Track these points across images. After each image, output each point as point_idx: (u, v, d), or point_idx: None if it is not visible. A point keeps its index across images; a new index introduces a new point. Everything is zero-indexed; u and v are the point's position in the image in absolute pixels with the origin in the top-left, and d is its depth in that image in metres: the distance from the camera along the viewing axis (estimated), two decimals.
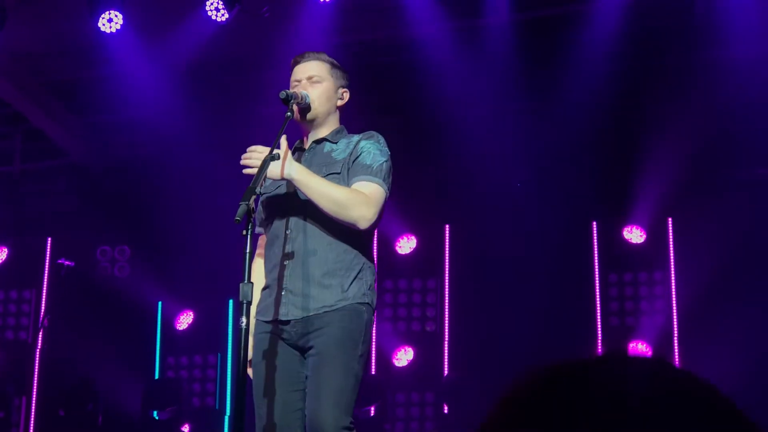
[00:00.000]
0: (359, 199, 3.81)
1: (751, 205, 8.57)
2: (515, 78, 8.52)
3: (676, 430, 0.93)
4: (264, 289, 3.97)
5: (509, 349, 8.65)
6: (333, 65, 4.17)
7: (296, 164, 3.80)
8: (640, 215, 9.06)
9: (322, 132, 4.09)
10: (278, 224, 3.95)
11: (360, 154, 3.94)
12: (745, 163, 8.73)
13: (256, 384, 3.86)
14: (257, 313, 3.92)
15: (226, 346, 9.65)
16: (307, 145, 4.10)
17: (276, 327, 3.87)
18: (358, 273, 3.91)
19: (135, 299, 9.73)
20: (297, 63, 4.15)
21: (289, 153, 3.81)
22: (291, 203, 3.95)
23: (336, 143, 4.06)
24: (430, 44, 8.39)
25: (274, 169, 3.71)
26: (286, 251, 3.88)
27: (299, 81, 4.07)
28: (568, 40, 8.27)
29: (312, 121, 4.05)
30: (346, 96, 4.20)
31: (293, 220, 3.92)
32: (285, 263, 3.87)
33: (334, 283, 3.85)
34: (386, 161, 3.97)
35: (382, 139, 4.06)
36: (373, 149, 3.97)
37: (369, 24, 8.37)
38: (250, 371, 3.85)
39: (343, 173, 3.93)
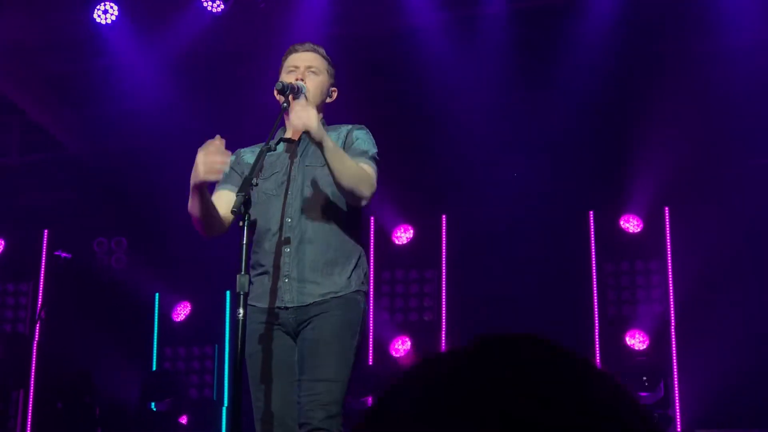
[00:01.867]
0: (367, 177, 3.87)
1: (747, 194, 8.58)
2: (511, 68, 8.51)
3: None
4: (258, 274, 3.95)
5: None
6: (329, 62, 4.20)
7: (318, 121, 3.75)
8: (636, 205, 9.07)
9: None
10: (275, 210, 3.94)
11: (356, 141, 4.01)
12: (741, 153, 8.73)
13: (253, 374, 3.84)
14: (251, 299, 3.86)
15: (223, 338, 9.65)
16: (296, 137, 4.07)
17: (272, 314, 3.87)
18: (357, 261, 3.97)
19: (132, 291, 9.73)
20: (295, 50, 4.15)
21: (310, 107, 3.77)
22: (290, 190, 3.95)
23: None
24: (425, 35, 8.37)
25: (299, 115, 3.68)
26: (284, 237, 3.88)
27: (297, 67, 4.07)
28: (564, 30, 8.27)
29: None
30: (335, 95, 4.24)
31: (292, 207, 3.92)
32: (285, 250, 3.87)
33: (336, 270, 3.89)
34: (376, 150, 4.05)
35: (370, 133, 4.11)
36: (367, 139, 4.04)
37: (365, 15, 8.35)
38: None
39: None
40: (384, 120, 7.93)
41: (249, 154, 4.09)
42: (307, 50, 4.14)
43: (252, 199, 3.76)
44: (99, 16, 8.17)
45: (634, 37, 8.26)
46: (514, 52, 8.37)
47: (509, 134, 8.95)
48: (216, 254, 8.57)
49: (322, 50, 4.19)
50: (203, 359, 9.81)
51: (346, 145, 3.98)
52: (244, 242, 3.49)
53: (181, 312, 9.93)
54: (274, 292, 3.87)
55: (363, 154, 3.96)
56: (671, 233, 8.99)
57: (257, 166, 3.64)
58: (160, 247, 9.81)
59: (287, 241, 3.87)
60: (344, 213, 3.95)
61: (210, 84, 9.02)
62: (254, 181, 3.56)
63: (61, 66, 9.19)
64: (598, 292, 9.13)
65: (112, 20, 8.15)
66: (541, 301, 8.86)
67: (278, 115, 3.91)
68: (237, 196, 3.45)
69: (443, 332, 9.35)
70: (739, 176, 8.70)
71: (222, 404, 9.47)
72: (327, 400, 3.69)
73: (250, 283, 3.78)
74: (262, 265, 3.93)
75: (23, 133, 10.13)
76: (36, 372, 9.66)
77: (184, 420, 9.16)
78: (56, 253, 8.61)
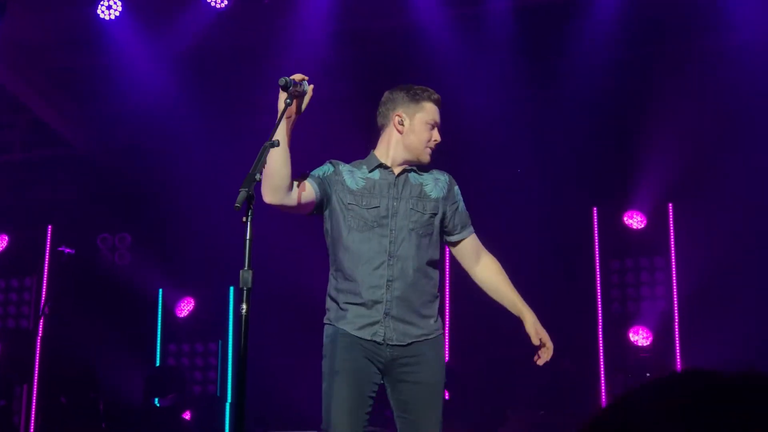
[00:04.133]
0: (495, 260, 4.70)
1: (751, 190, 8.56)
2: (516, 64, 8.50)
3: None
4: (355, 304, 4.07)
5: (510, 337, 8.65)
6: None
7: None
8: (640, 201, 9.05)
9: (410, 162, 4.29)
10: (375, 244, 4.09)
11: (459, 202, 4.37)
12: (746, 149, 8.71)
13: (336, 387, 3.99)
14: (344, 324, 4.06)
15: (226, 334, 9.66)
16: (396, 170, 4.25)
17: (366, 344, 4.04)
18: (439, 303, 4.31)
19: (136, 287, 9.74)
20: (437, 103, 4.42)
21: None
22: (393, 227, 4.11)
23: (421, 176, 4.30)
24: (430, 31, 8.36)
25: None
26: (387, 274, 4.06)
27: (436, 124, 4.37)
28: (569, 27, 8.26)
29: (419, 162, 4.30)
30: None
31: (395, 246, 4.09)
32: (387, 287, 4.05)
33: (428, 313, 4.18)
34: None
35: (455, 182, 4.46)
36: (461, 197, 4.41)
37: (369, 11, 8.35)
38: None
39: (438, 214, 4.24)
40: None
41: (348, 175, 4.20)
42: (440, 106, 4.44)
43: (343, 219, 4.05)
44: (103, 12, 8.17)
45: (639, 34, 8.25)
46: (519, 49, 8.36)
47: (513, 131, 8.93)
48: (219, 250, 8.58)
49: None
50: (207, 355, 9.81)
51: (449, 201, 4.31)
52: (248, 237, 3.48)
53: (185, 308, 9.94)
54: (372, 326, 4.04)
55: (469, 220, 4.44)
56: (675, 229, 8.98)
57: (260, 162, 3.63)
58: (163, 244, 9.82)
59: (390, 279, 4.05)
60: (436, 259, 4.28)
61: (214, 80, 9.01)
62: (257, 176, 3.55)
63: (65, 62, 9.19)
64: (601, 289, 9.12)
65: (115, 16, 8.15)
66: (545, 297, 8.84)
67: (281, 112, 3.90)
68: (240, 191, 3.44)
69: (446, 329, 9.34)
70: (743, 173, 8.68)
71: (225, 400, 9.47)
72: None
73: (340, 308, 4.06)
74: (360, 296, 4.06)
75: (27, 130, 10.14)
76: (40, 367, 9.67)
77: (187, 416, 9.16)
78: (60, 249, 8.61)
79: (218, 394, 9.61)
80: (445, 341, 4.27)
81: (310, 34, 8.26)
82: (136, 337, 9.75)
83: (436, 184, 4.28)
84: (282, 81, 3.89)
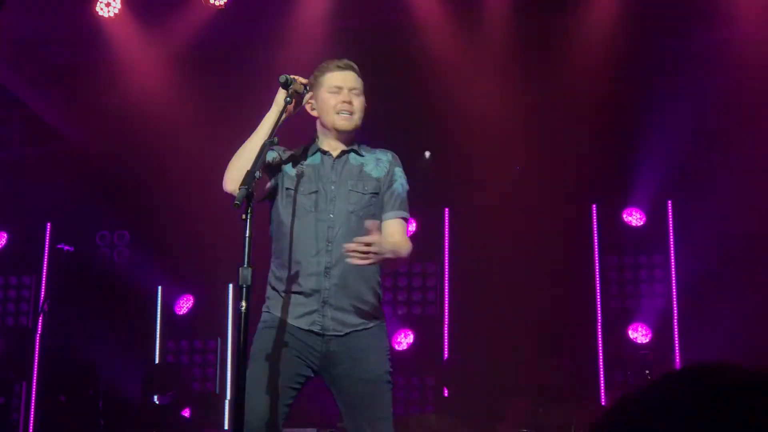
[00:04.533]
0: (407, 249, 4.00)
1: (751, 187, 8.56)
2: (515, 61, 8.49)
3: None
4: (293, 292, 3.93)
5: (509, 333, 8.66)
6: (362, 79, 4.21)
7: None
8: (639, 198, 9.06)
9: (349, 143, 4.14)
10: (313, 229, 3.94)
11: (395, 182, 4.09)
12: (744, 146, 8.71)
13: (256, 371, 3.82)
14: (279, 310, 3.91)
15: (226, 331, 9.66)
16: (334, 153, 4.10)
17: (299, 333, 3.90)
18: (380, 289, 4.08)
19: (135, 284, 9.74)
20: (337, 68, 4.14)
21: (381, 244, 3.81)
22: (332, 212, 3.96)
23: (362, 156, 4.12)
24: (429, 28, 8.36)
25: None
26: (325, 261, 3.90)
27: (340, 88, 4.08)
28: (568, 23, 8.25)
29: (351, 132, 4.09)
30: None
31: (333, 231, 3.93)
32: (326, 274, 3.89)
33: (369, 300, 3.99)
34: (408, 188, 4.16)
35: (401, 162, 4.20)
36: (404, 180, 4.14)
37: (367, 8, 8.34)
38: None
39: (380, 194, 4.05)
40: (386, 113, 7.92)
41: (289, 160, 4.09)
42: (347, 69, 4.15)
43: (282, 205, 3.93)
44: (101, 9, 8.16)
45: (638, 31, 8.24)
46: (518, 46, 8.35)
47: (512, 128, 8.92)
48: (218, 248, 8.58)
49: (357, 68, 4.20)
50: (206, 352, 9.82)
51: (384, 182, 4.05)
52: (247, 235, 3.47)
53: (184, 305, 9.94)
54: (310, 315, 3.90)
55: (401, 204, 4.08)
56: (674, 227, 8.99)
57: (260, 160, 3.63)
58: (162, 241, 9.81)
59: (328, 266, 3.89)
60: None
61: (213, 77, 9.00)
62: (257, 174, 3.55)
63: (64, 59, 9.18)
64: (600, 286, 9.12)
65: (114, 13, 8.15)
66: (544, 294, 8.85)
67: (280, 109, 3.90)
68: (240, 189, 3.44)
69: (446, 326, 9.34)
70: (742, 170, 8.68)
71: (224, 397, 9.47)
72: None
73: (279, 296, 3.90)
74: (298, 284, 3.92)
75: (26, 126, 10.13)
76: (39, 365, 9.67)
77: (186, 413, 9.16)
78: (59, 246, 8.61)
79: (217, 392, 9.61)
80: (387, 330, 4.05)
81: (310, 31, 8.25)
82: (135, 334, 9.75)
83: (377, 164, 4.10)
84: (283, 78, 3.89)
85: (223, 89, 9.05)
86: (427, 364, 9.13)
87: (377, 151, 4.16)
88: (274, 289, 3.96)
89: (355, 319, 3.92)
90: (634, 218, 9.17)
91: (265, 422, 3.74)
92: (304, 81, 3.99)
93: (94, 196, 9.92)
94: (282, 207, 3.99)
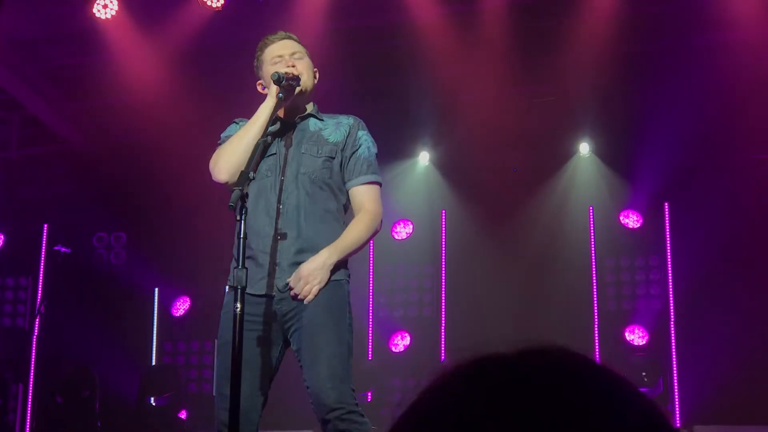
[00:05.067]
0: (375, 221, 3.95)
1: (747, 189, 8.57)
2: (511, 62, 8.49)
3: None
4: (250, 258, 3.82)
5: (506, 334, 8.66)
6: (303, 47, 4.18)
7: (328, 255, 3.77)
8: (636, 200, 9.06)
9: (306, 108, 4.11)
10: (267, 194, 3.90)
11: (360, 146, 4.00)
12: (741, 148, 8.72)
13: (221, 362, 3.80)
14: (233, 281, 3.66)
15: None
16: (292, 118, 4.07)
17: (257, 302, 3.81)
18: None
19: (131, 285, 9.74)
20: (272, 41, 4.14)
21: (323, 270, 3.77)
22: (285, 175, 3.92)
23: (322, 120, 4.08)
24: (425, 29, 8.36)
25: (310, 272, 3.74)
26: (278, 224, 3.84)
27: (281, 57, 4.07)
28: (564, 24, 8.25)
29: (300, 95, 4.02)
30: (317, 75, 4.20)
31: (285, 194, 3.88)
32: (277, 237, 3.83)
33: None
34: (376, 151, 4.08)
35: (366, 127, 4.12)
36: (369, 142, 4.05)
37: (364, 9, 8.34)
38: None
39: (337, 158, 3.97)
40: (384, 114, 7.92)
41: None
42: (283, 38, 4.15)
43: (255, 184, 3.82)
44: (99, 10, 8.16)
45: (634, 31, 8.24)
46: (514, 47, 8.34)
47: (509, 129, 8.93)
48: (215, 249, 8.58)
49: (294, 36, 4.21)
50: (202, 354, 9.81)
51: (348, 146, 3.98)
52: (242, 236, 3.48)
53: (181, 307, 9.94)
54: (263, 279, 3.82)
55: (369, 168, 3.99)
56: (671, 229, 9.00)
57: (254, 160, 3.64)
58: (159, 243, 9.81)
59: (280, 228, 3.84)
60: (335, 204, 3.96)
61: (210, 78, 9.00)
62: (251, 175, 3.56)
63: (62, 60, 9.18)
64: (597, 288, 9.13)
65: (111, 15, 8.15)
66: (541, 296, 8.87)
67: (274, 105, 3.92)
68: (234, 190, 3.44)
69: (442, 327, 9.35)
70: (739, 172, 8.69)
71: None
72: (335, 382, 3.68)
73: (237, 267, 3.59)
74: (252, 249, 3.85)
75: (23, 127, 10.12)
76: (35, 366, 9.66)
77: (183, 415, 9.16)
78: (56, 247, 8.61)
79: (214, 393, 9.59)
80: (346, 290, 3.87)
81: (306, 32, 8.25)
82: (132, 335, 9.75)
83: (337, 128, 4.03)
84: (274, 75, 3.90)
85: (220, 90, 9.05)
86: (423, 366, 9.12)
87: (340, 116, 4.13)
88: (235, 260, 3.71)
89: None
90: (631, 220, 9.18)
91: (243, 417, 3.66)
92: (295, 73, 3.99)
93: (91, 197, 9.93)
94: None
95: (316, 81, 4.16)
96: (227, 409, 3.53)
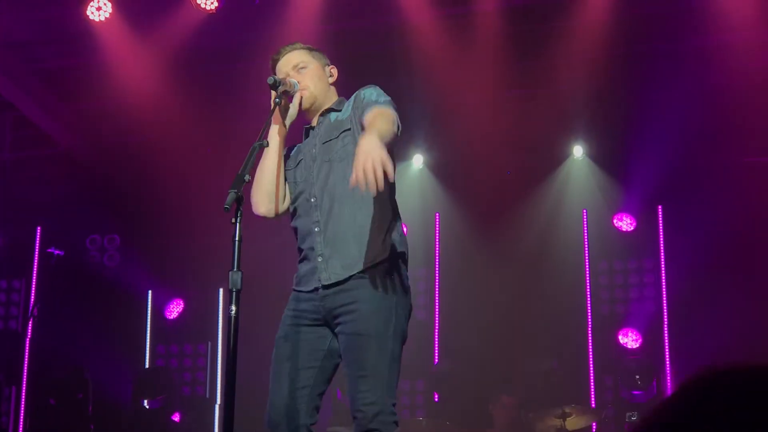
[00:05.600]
0: (386, 111, 3.73)
1: (740, 192, 8.59)
2: (505, 65, 8.50)
3: None
4: (300, 261, 3.93)
5: (500, 338, 8.67)
6: (310, 49, 4.22)
7: (369, 137, 3.46)
8: (630, 203, 9.07)
9: (326, 107, 4.13)
10: (304, 192, 3.95)
11: (364, 98, 3.94)
12: (735, 151, 8.74)
13: (273, 362, 3.90)
14: (296, 285, 3.91)
15: (216, 335, 9.65)
16: (315, 122, 4.12)
17: (307, 299, 3.85)
18: (388, 228, 3.94)
19: (125, 288, 9.72)
20: (276, 61, 4.18)
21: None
22: (314, 170, 3.95)
23: (340, 110, 4.09)
24: (419, 32, 8.36)
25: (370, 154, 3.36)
26: (314, 218, 3.87)
27: (286, 72, 4.11)
28: (558, 27, 8.26)
29: (313, 104, 4.08)
30: (335, 72, 4.25)
31: (315, 186, 3.90)
32: (315, 229, 3.86)
33: (367, 239, 3.82)
34: (389, 99, 3.95)
35: (379, 88, 4.05)
36: (374, 92, 3.97)
37: (359, 11, 8.34)
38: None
39: (354, 127, 3.92)
40: None
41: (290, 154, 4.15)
42: (285, 54, 4.17)
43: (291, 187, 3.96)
44: (92, 13, 8.15)
45: (628, 34, 8.25)
46: (508, 50, 8.35)
47: (503, 132, 8.93)
48: (208, 252, 8.57)
49: (298, 44, 4.23)
50: (196, 357, 9.80)
51: (357, 107, 3.93)
52: (236, 239, 3.47)
53: (174, 309, 9.93)
54: (312, 275, 3.85)
55: (372, 102, 3.85)
56: (664, 232, 9.01)
57: (249, 163, 3.63)
58: (152, 245, 9.80)
59: (317, 220, 3.85)
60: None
61: (204, 81, 8.99)
62: (246, 177, 3.55)
63: (55, 62, 9.16)
64: (591, 291, 9.13)
65: (105, 17, 8.13)
66: (535, 299, 8.87)
67: (270, 111, 3.92)
68: (230, 192, 3.43)
69: (436, 331, 9.35)
70: (733, 175, 8.70)
71: (214, 402, 9.46)
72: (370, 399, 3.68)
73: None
74: (301, 250, 3.93)
75: (16, 129, 10.10)
76: (28, 369, 9.65)
77: (176, 417, 9.15)
78: (49, 250, 8.59)
79: (207, 396, 9.59)
80: (398, 273, 3.89)
81: (301, 35, 8.24)
82: (125, 338, 9.73)
83: (345, 108, 4.05)
84: (270, 80, 3.91)
85: (214, 93, 9.04)
86: (417, 369, 9.12)
87: (344, 100, 4.16)
88: (299, 261, 3.95)
89: (351, 261, 3.78)
90: (625, 223, 9.19)
91: (284, 415, 3.77)
92: (293, 80, 4.00)
93: (84, 199, 9.91)
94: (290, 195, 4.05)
95: (333, 78, 4.22)
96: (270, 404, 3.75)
